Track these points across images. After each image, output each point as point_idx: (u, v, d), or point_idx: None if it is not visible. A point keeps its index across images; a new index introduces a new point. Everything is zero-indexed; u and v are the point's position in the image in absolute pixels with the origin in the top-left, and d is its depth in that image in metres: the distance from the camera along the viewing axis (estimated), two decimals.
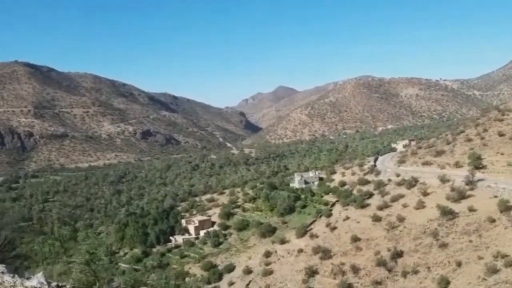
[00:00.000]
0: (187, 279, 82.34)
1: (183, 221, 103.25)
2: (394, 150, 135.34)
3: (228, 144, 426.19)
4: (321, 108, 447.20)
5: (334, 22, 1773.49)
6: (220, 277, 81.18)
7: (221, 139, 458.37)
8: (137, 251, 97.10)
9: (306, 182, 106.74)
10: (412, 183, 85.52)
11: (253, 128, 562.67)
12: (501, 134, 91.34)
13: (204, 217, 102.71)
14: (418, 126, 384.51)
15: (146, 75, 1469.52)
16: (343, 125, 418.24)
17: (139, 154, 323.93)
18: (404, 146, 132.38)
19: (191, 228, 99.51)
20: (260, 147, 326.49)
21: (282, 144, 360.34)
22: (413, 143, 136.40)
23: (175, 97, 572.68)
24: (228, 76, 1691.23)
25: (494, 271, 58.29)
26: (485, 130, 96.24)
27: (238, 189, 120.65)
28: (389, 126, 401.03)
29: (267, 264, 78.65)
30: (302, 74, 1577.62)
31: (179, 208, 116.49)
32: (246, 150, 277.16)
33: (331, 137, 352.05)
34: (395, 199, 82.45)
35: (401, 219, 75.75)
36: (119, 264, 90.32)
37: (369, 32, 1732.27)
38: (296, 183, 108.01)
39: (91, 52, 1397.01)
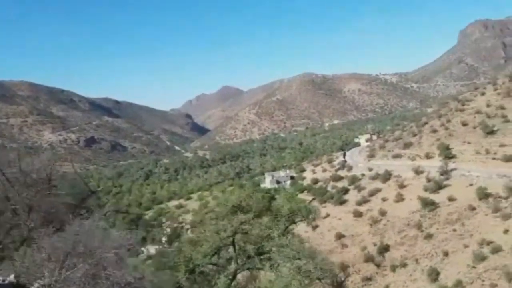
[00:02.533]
0: None
1: (154, 230, 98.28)
2: (358, 144, 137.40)
3: (177, 147, 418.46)
4: (269, 106, 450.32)
5: (273, 21, 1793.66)
6: None
7: (168, 143, 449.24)
8: None
9: (277, 182, 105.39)
10: (386, 176, 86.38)
11: (200, 130, 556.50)
12: (464, 124, 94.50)
13: (176, 225, 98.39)
14: (363, 120, 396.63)
15: (85, 80, 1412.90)
16: (291, 122, 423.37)
17: (85, 163, 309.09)
18: (367, 140, 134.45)
19: (164, 238, 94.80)
20: (212, 149, 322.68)
21: (234, 144, 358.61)
22: (374, 137, 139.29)
23: (117, 102, 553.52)
24: (170, 77, 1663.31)
25: (482, 258, 59.30)
26: (449, 121, 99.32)
27: (206, 193, 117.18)
28: (336, 121, 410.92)
29: None
30: (246, 74, 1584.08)
31: (146, 217, 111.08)
32: (200, 153, 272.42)
33: (282, 135, 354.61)
34: (372, 193, 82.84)
35: (383, 213, 76.06)
36: None
37: (309, 30, 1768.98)
38: (267, 183, 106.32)
39: (25, 58, 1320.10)
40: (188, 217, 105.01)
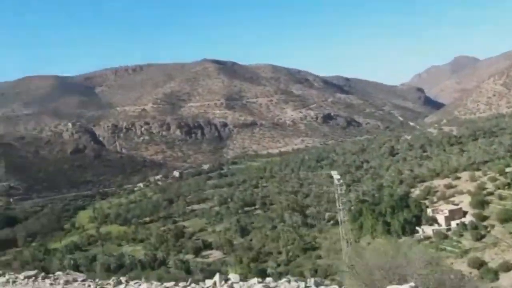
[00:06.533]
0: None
1: (428, 210, 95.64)
2: None
3: (411, 123, 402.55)
4: None
5: None
6: (496, 276, 71.35)
7: (400, 118, 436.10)
8: (381, 241, 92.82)
9: None
10: None
11: (432, 104, 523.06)
12: None
13: (453, 206, 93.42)
14: None
15: (317, 60, 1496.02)
16: None
17: (323, 138, 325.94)
18: None
19: (441, 218, 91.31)
20: (452, 124, 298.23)
21: (477, 119, 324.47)
22: None
23: (347, 79, 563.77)
24: (396, 51, 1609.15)
25: None
26: None
27: (479, 173, 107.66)
28: None
29: None
30: (481, 41, 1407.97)
31: (413, 195, 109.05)
32: (446, 128, 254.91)
33: None
34: None
35: None
36: None
37: None
38: None
39: (266, 43, 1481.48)
40: (462, 198, 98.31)
